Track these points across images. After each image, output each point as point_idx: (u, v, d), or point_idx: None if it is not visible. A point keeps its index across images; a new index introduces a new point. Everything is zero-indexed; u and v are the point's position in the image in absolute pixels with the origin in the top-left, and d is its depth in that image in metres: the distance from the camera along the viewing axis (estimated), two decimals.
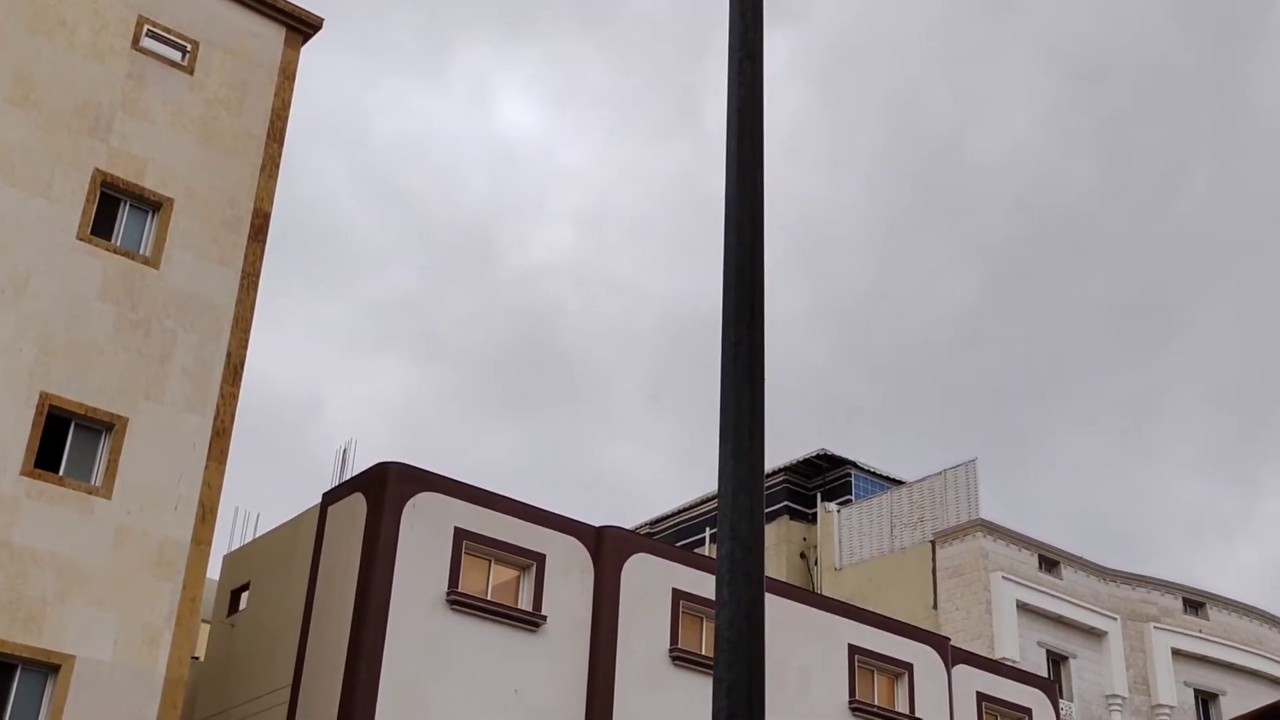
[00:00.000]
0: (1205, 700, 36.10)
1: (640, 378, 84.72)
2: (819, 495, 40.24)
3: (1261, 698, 35.54)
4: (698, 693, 22.37)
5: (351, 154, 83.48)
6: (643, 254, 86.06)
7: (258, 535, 24.84)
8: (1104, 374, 79.25)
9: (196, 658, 23.42)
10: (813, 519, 39.58)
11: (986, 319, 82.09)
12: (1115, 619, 35.29)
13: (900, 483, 39.32)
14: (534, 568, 22.54)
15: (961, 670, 27.94)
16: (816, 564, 38.47)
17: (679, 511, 43.36)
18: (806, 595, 27.67)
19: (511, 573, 22.61)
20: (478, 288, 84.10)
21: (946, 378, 79.77)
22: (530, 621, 22.14)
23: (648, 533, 42.00)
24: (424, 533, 21.55)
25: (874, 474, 41.13)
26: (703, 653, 23.39)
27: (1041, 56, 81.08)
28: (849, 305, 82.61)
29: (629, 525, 41.64)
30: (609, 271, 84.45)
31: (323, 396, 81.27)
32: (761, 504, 4.59)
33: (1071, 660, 34.39)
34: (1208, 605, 37.05)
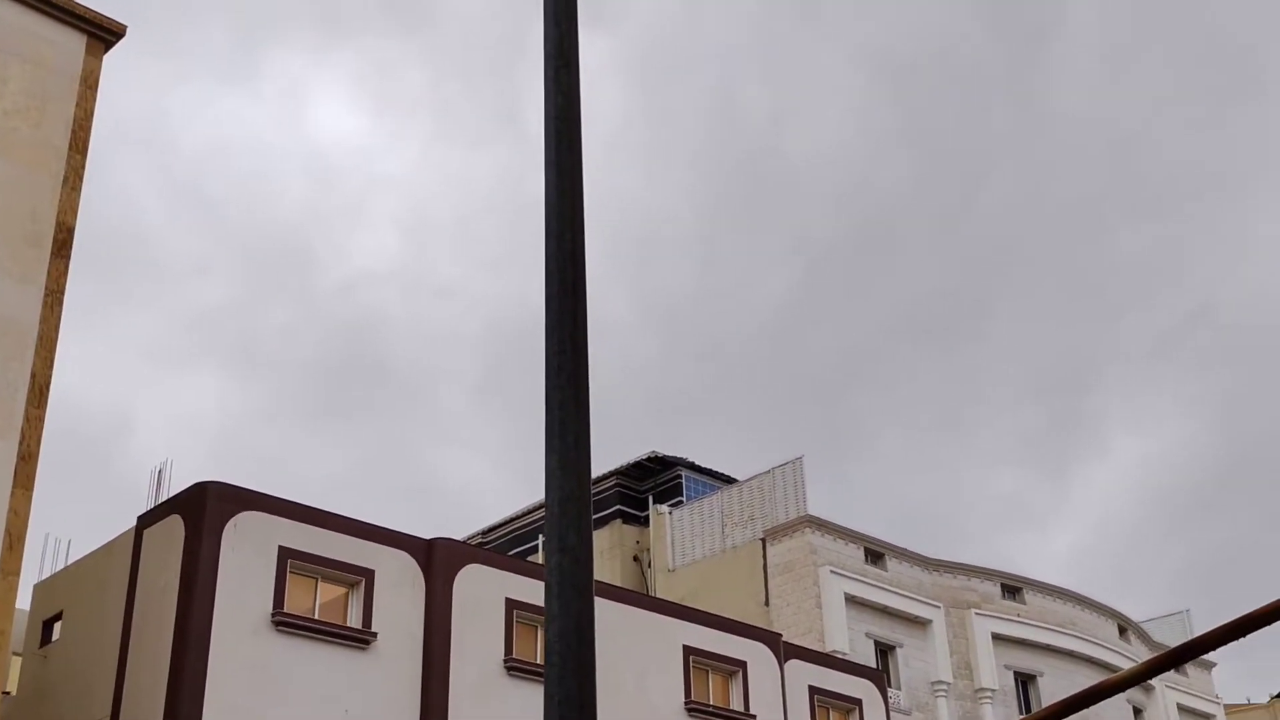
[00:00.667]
0: (1024, 681, 37.52)
1: (468, 383, 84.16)
2: (651, 497, 40.52)
3: (1076, 676, 37.14)
4: (533, 702, 22.27)
5: (160, 162, 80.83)
6: (466, 258, 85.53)
7: (69, 562, 23.87)
8: (921, 366, 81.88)
9: (8, 692, 22.42)
10: (645, 521, 39.83)
11: (807, 314, 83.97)
12: (938, 607, 36.42)
13: (731, 482, 39.87)
14: (362, 584, 22.13)
15: (794, 665, 28.45)
16: (650, 566, 38.73)
17: (512, 519, 43.15)
18: (640, 598, 27.81)
19: (339, 590, 22.16)
20: (297, 297, 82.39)
21: (771, 374, 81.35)
22: (360, 639, 21.72)
23: (480, 542, 41.68)
24: (246, 553, 20.96)
25: (705, 474, 41.61)
26: (538, 662, 23.30)
27: (852, 56, 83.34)
28: (674, 304, 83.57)
29: (463, 534, 41.30)
30: (433, 277, 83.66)
31: (135, 414, 78.50)
32: (589, 515, 4.58)
33: (899, 649, 35.35)
34: (1024, 590, 38.52)
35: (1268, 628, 3.91)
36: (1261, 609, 3.92)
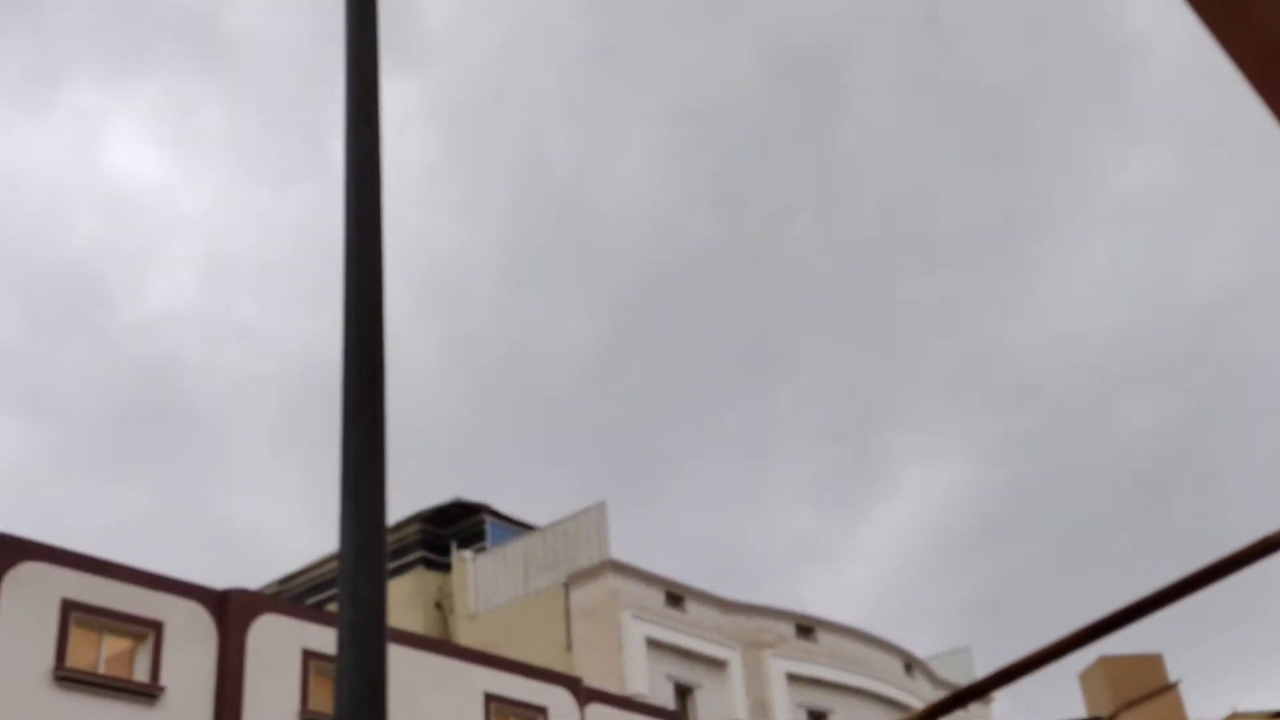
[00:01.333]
0: (817, 719, 38.43)
1: (267, 427, 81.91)
2: (454, 543, 40.18)
3: (865, 713, 38.24)
4: None
5: None
6: (267, 300, 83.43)
7: None
8: (724, 411, 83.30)
9: None
10: (448, 567, 39.45)
11: (614, 361, 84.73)
12: (735, 648, 37.04)
13: (534, 528, 39.85)
14: (151, 636, 21.36)
15: (594, 709, 28.53)
16: (453, 613, 38.35)
17: (310, 568, 42.16)
18: (441, 645, 27.56)
19: (126, 643, 21.34)
20: (91, 339, 79.04)
21: (578, 420, 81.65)
22: (147, 694, 20.93)
23: (277, 591, 40.59)
24: (26, 605, 20.02)
25: (508, 520, 41.48)
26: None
27: (654, 106, 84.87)
28: (482, 351, 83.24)
29: (260, 582, 40.11)
30: (231, 319, 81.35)
31: None
32: (383, 568, 4.58)
33: (697, 691, 35.80)
34: (817, 630, 39.50)
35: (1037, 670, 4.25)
36: (1028, 656, 4.24)
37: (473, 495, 41.08)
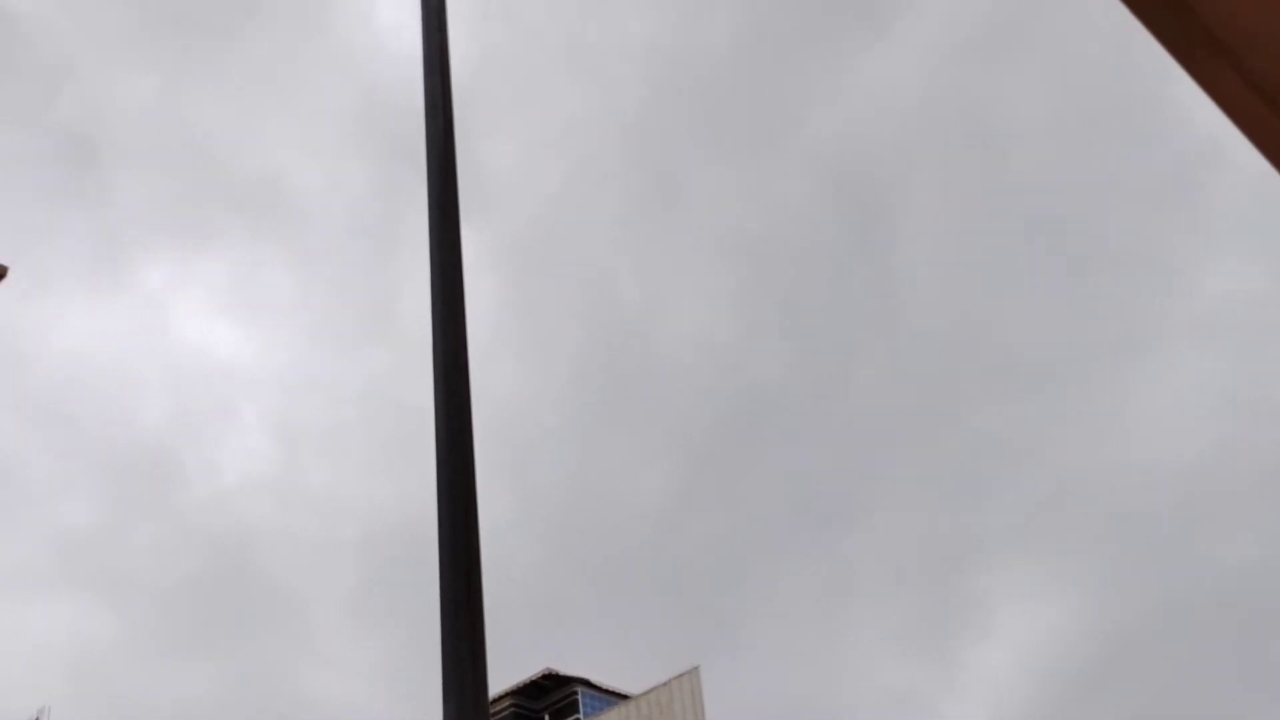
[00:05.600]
0: None
1: (344, 595, 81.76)
2: (547, 716, 39.59)
3: None
4: None
5: (15, 380, 78.60)
6: (340, 464, 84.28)
7: None
8: (802, 557, 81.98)
9: None
10: None
11: (685, 510, 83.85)
12: None
13: (627, 696, 39.19)
14: None
15: None
16: None
17: None
18: None
19: None
20: (164, 515, 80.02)
21: (654, 574, 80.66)
22: None
23: None
24: None
25: (600, 689, 40.87)
26: None
27: (713, 240, 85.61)
28: (553, 505, 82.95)
29: None
30: (305, 486, 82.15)
31: None
32: None
33: None
34: None
35: None
36: None
37: (560, 662, 40.60)
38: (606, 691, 40.74)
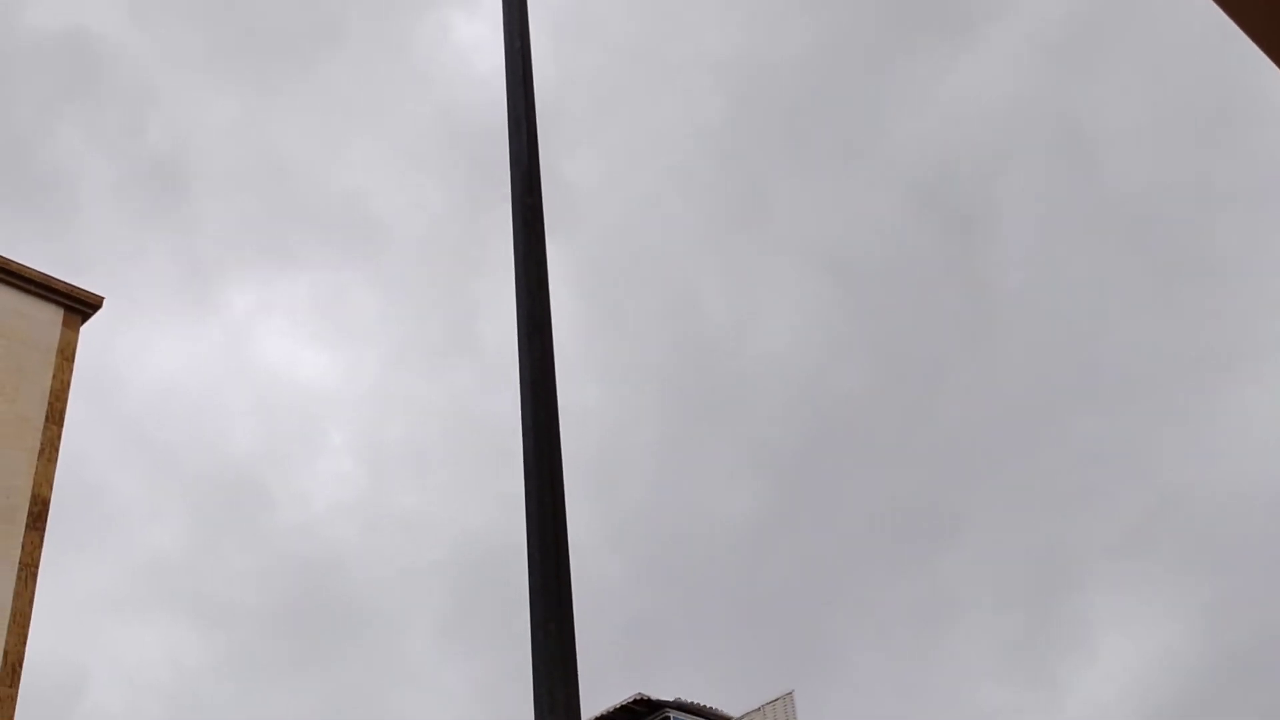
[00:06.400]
0: None
1: (433, 619, 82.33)
2: None
3: None
4: None
5: (106, 407, 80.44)
6: (426, 486, 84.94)
7: None
8: (895, 577, 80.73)
9: None
10: None
11: (773, 529, 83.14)
12: None
13: (722, 719, 38.88)
14: None
15: None
16: None
17: None
18: None
19: None
20: (253, 537, 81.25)
21: (743, 593, 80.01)
22: None
23: None
24: None
25: (694, 711, 40.59)
26: None
27: (803, 257, 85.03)
28: (637, 523, 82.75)
29: None
30: (392, 509, 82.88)
31: (89, 673, 76.13)
32: None
33: None
34: None
35: None
36: None
37: (635, 680, 40.44)
38: (698, 713, 40.44)
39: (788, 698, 36.44)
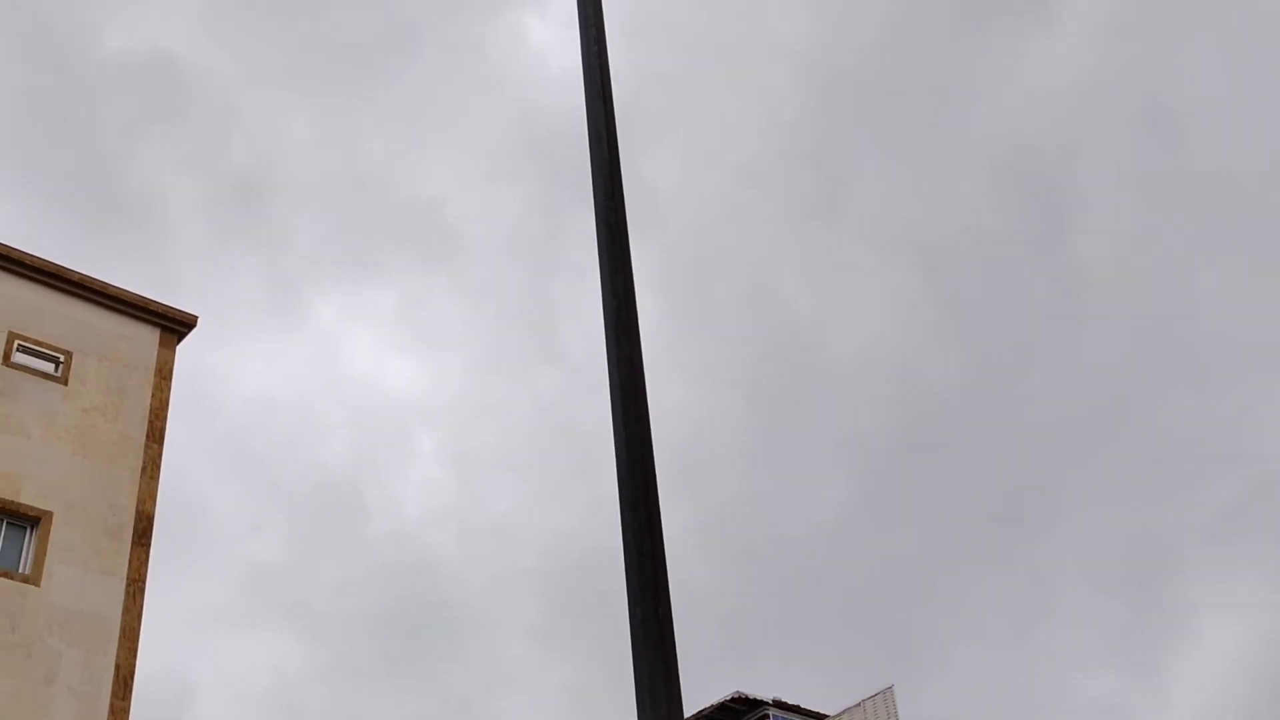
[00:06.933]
0: None
1: (527, 624, 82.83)
2: None
3: None
4: None
5: (204, 423, 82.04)
6: (516, 491, 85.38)
7: None
8: (990, 567, 79.59)
9: None
10: None
11: (864, 521, 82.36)
12: None
13: (822, 717, 38.66)
14: None
15: None
16: None
17: None
18: None
19: None
20: (349, 547, 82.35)
21: (835, 587, 79.40)
22: None
23: None
24: None
25: (793, 709, 40.40)
26: None
27: (885, 245, 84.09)
28: (727, 518, 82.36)
29: None
30: (484, 514, 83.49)
31: (195, 683, 77.71)
32: None
33: None
34: None
35: None
36: None
37: (733, 678, 40.33)
38: (796, 710, 40.26)
39: (888, 693, 36.13)
